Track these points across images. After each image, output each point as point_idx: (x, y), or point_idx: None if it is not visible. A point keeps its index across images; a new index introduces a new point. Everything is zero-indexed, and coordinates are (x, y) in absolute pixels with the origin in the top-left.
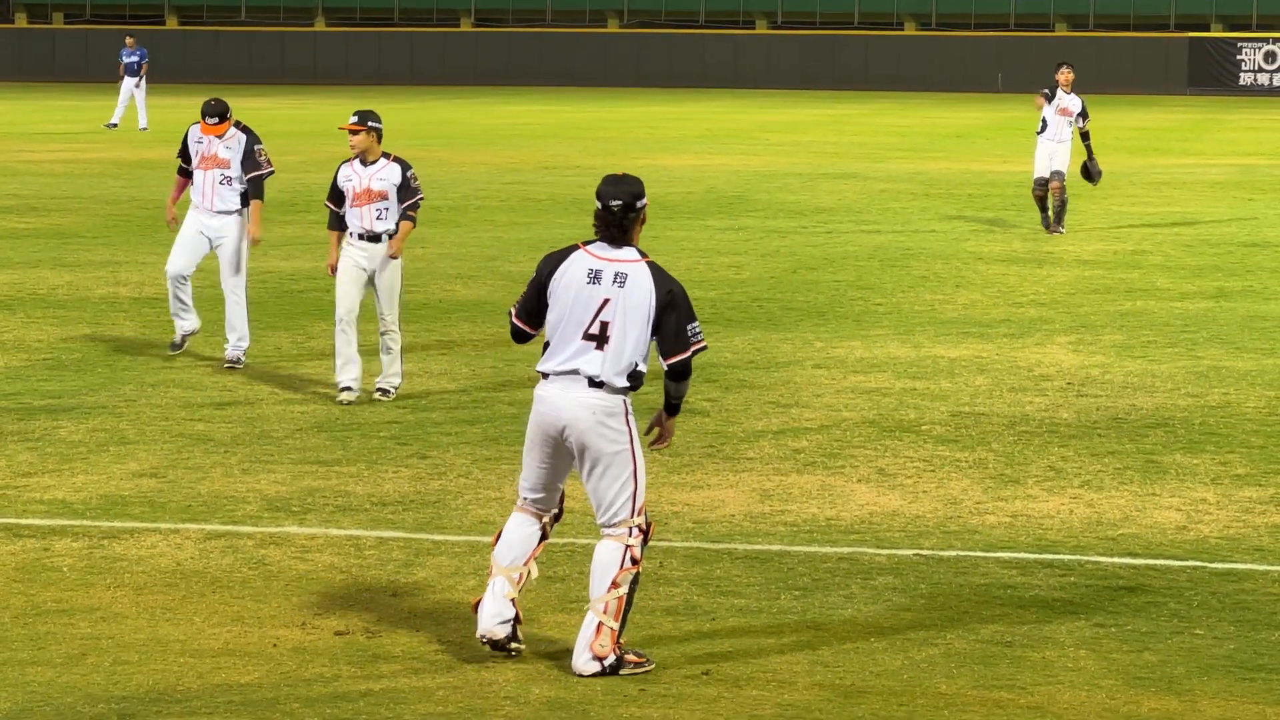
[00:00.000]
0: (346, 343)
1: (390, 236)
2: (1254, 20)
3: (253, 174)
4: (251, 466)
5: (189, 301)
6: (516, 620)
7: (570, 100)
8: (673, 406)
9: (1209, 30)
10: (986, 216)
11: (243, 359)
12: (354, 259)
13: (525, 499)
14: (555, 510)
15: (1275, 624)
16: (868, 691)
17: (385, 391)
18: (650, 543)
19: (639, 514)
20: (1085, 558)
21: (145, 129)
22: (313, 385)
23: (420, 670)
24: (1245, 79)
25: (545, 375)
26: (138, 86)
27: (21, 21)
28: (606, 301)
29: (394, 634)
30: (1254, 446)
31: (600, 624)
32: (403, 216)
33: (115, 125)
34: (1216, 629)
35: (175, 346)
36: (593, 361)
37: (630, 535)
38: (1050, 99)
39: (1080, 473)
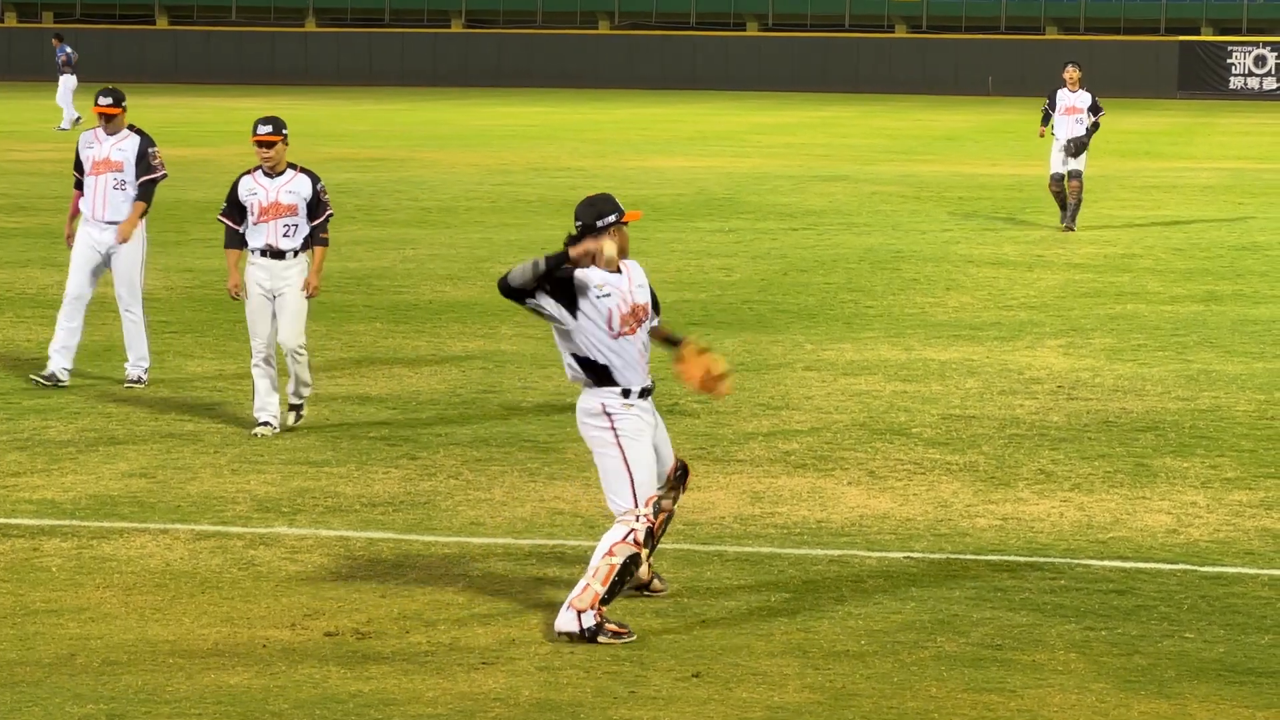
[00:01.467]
0: (263, 375)
1: (296, 254)
2: (1244, 24)
3: (145, 177)
4: (241, 467)
5: (77, 328)
6: (654, 576)
7: (561, 101)
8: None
9: (1199, 34)
10: (977, 219)
11: (144, 378)
12: (257, 279)
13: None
14: (666, 485)
15: (1265, 627)
16: (858, 694)
17: (297, 410)
18: (659, 545)
19: (647, 505)
20: (1075, 561)
21: (65, 129)
22: None
23: (410, 671)
24: (1235, 83)
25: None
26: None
27: (11, 20)
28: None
29: (383, 635)
30: (1244, 450)
31: (586, 584)
32: (314, 240)
33: (78, 120)
34: (1206, 632)
35: (47, 380)
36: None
37: (637, 521)
38: (1051, 107)
39: (1070, 476)
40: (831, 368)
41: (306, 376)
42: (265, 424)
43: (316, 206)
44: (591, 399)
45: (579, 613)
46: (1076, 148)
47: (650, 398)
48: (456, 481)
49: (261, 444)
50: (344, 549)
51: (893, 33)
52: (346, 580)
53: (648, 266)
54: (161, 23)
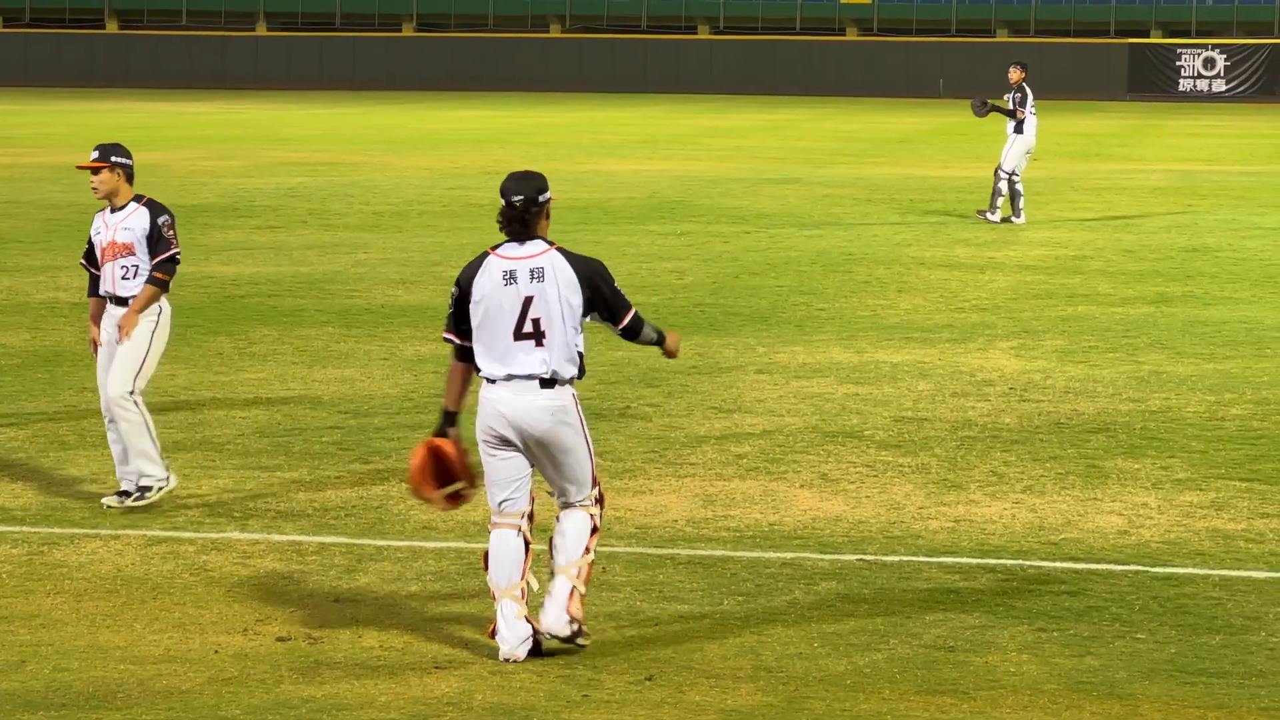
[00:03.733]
0: (113, 440)
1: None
2: (1193, 26)
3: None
4: (193, 472)
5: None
6: (536, 632)
7: (513, 105)
8: (655, 340)
9: (1149, 36)
10: (929, 221)
11: (138, 492)
12: (107, 330)
13: (497, 506)
14: (528, 510)
15: (1216, 628)
16: (811, 696)
17: (122, 495)
18: (599, 532)
19: (595, 486)
20: (1027, 562)
21: None
22: (254, 390)
23: (363, 676)
24: (1185, 85)
25: (493, 380)
26: None
27: None
28: (530, 299)
29: (336, 640)
30: (1194, 451)
31: (574, 588)
32: (149, 279)
33: None
34: (1158, 633)
35: (127, 495)
36: (537, 360)
37: (593, 505)
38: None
39: (1022, 478)
40: (783, 370)
41: (139, 444)
42: (115, 494)
43: (156, 242)
44: (566, 395)
45: (576, 621)
46: (981, 108)
47: None
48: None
49: (213, 449)
50: (296, 554)
51: (844, 35)
52: (299, 585)
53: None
54: (111, 26)
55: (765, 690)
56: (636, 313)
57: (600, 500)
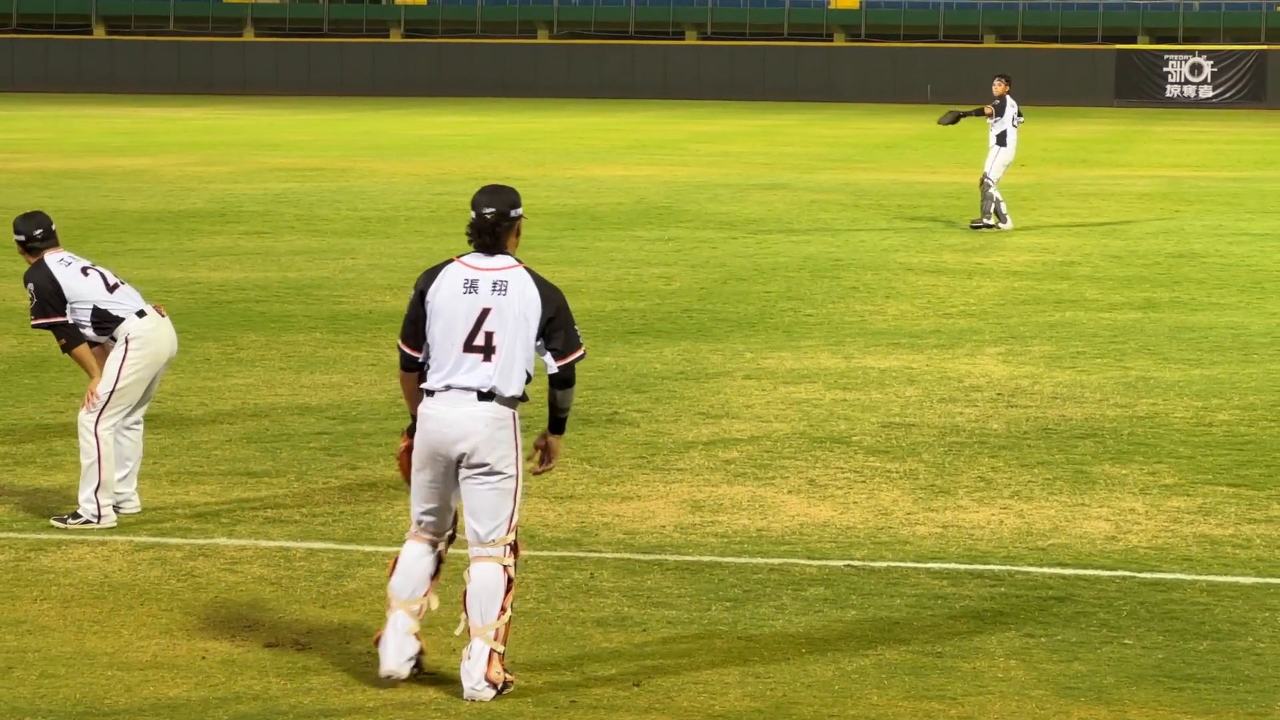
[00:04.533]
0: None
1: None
2: (1180, 33)
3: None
4: (180, 478)
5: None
6: (420, 652)
7: (500, 111)
8: (559, 422)
9: (1136, 42)
10: (916, 227)
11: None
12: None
13: (419, 522)
14: (450, 532)
15: (1203, 634)
16: (799, 702)
17: (62, 518)
18: (520, 559)
19: (513, 530)
20: (1015, 568)
21: None
22: (242, 396)
23: (351, 682)
24: (1172, 91)
25: (431, 393)
26: None
27: None
28: (487, 311)
29: (324, 646)
30: (1182, 456)
31: (493, 651)
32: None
33: None
34: (1145, 639)
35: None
36: (481, 374)
37: (505, 555)
38: (1001, 111)
39: (1010, 483)
40: (771, 376)
41: (87, 474)
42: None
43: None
44: (505, 412)
45: (496, 685)
46: (952, 118)
47: None
48: (396, 491)
49: (200, 455)
50: (284, 559)
51: (831, 41)
52: (286, 591)
53: (587, 275)
54: (99, 32)
55: (753, 696)
56: (574, 366)
57: (515, 549)
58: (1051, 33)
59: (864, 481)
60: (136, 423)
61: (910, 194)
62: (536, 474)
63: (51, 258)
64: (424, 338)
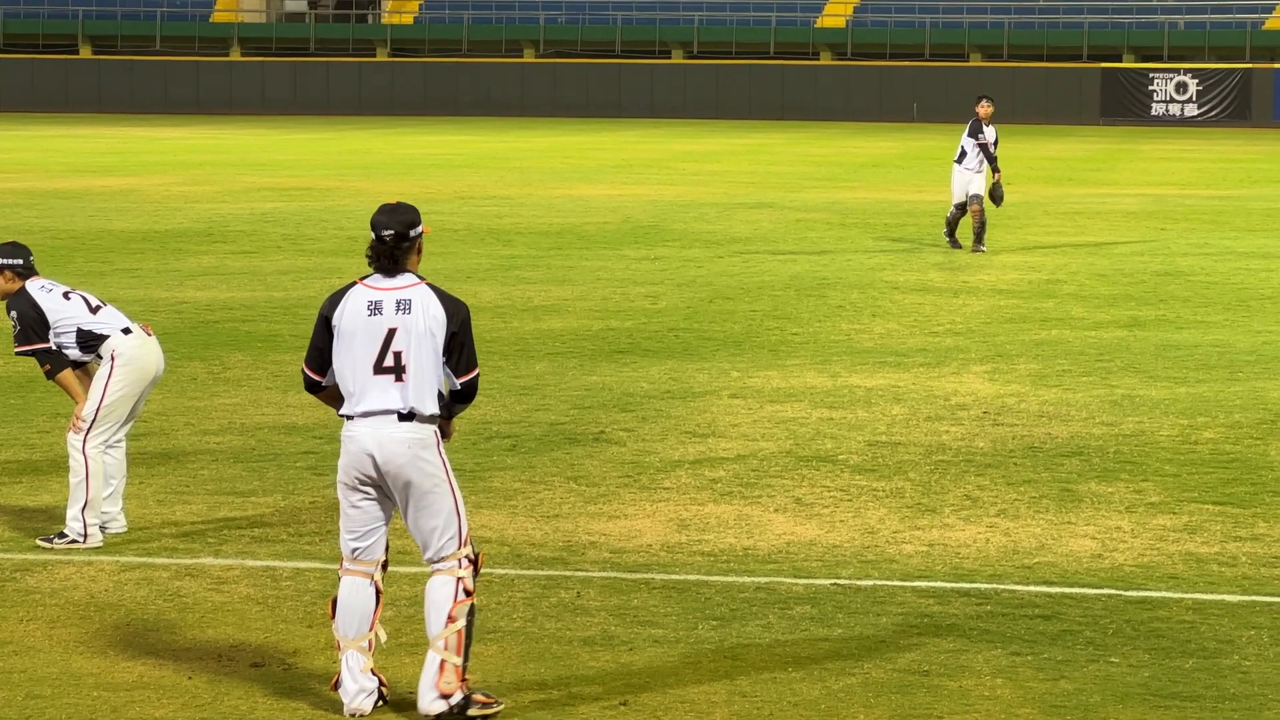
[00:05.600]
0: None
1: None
2: (1165, 51)
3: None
4: (167, 497)
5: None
6: (381, 684)
7: (486, 130)
8: (449, 414)
9: (1121, 61)
10: (903, 246)
11: (71, 534)
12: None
13: (351, 553)
14: (382, 559)
15: (1189, 651)
16: None
17: (48, 539)
18: (481, 574)
19: (465, 544)
20: (1001, 586)
21: None
22: (228, 416)
23: (337, 702)
24: (1157, 109)
25: (350, 418)
26: None
27: None
28: (394, 331)
29: (310, 665)
30: (1167, 474)
31: (443, 661)
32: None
33: None
34: (1131, 657)
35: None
36: (396, 395)
37: (460, 567)
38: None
39: (996, 501)
40: (758, 395)
41: (75, 492)
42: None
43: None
44: (426, 431)
45: (447, 697)
46: (998, 197)
47: None
48: None
49: (186, 474)
50: (270, 579)
51: (817, 59)
52: (273, 610)
53: (574, 295)
54: (85, 52)
55: (740, 715)
56: (476, 381)
57: (474, 562)
58: (1037, 51)
59: (850, 500)
60: (119, 441)
61: (897, 213)
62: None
63: (33, 285)
64: (328, 362)
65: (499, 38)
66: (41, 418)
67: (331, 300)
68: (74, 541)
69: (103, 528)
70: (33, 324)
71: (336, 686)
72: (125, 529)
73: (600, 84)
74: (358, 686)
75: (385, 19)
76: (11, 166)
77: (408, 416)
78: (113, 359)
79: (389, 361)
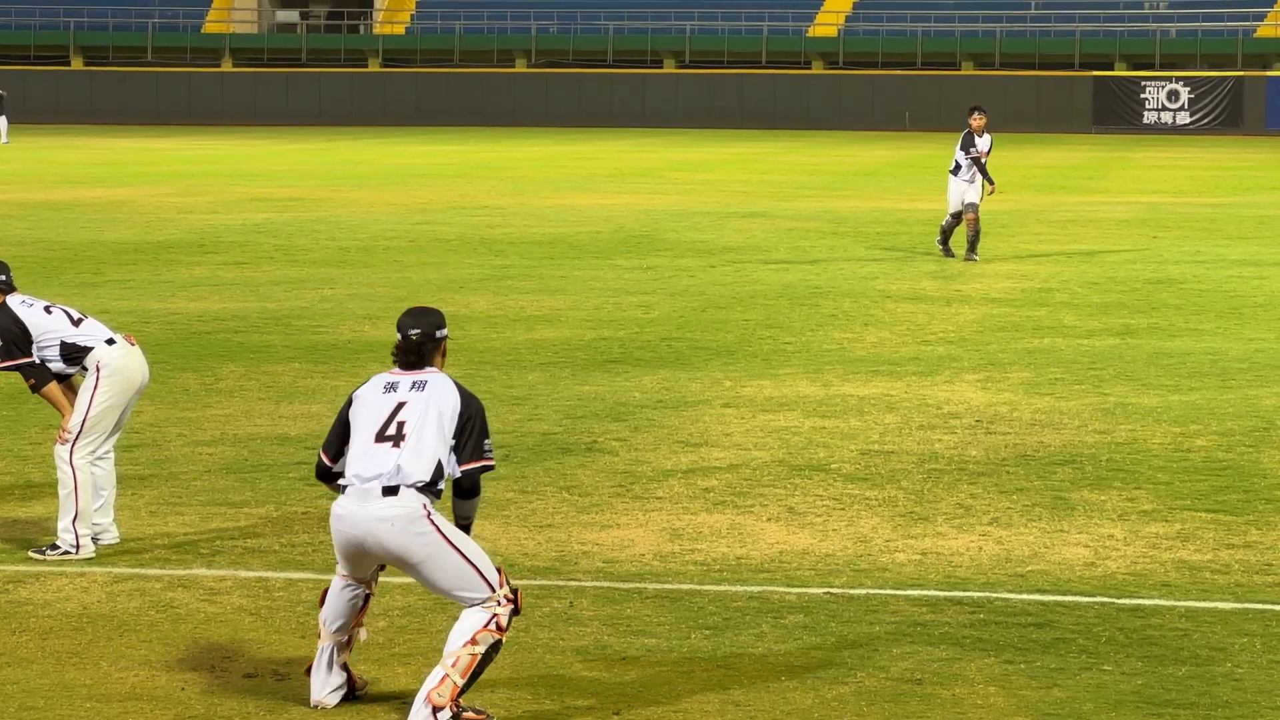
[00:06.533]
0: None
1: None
2: (1157, 59)
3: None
4: (159, 508)
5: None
6: (351, 679)
7: (479, 140)
8: (464, 529)
9: (1113, 69)
10: (895, 255)
11: (64, 544)
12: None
13: (342, 574)
14: (375, 575)
15: (1182, 659)
16: None
17: (41, 551)
18: (519, 614)
19: (503, 586)
20: (994, 595)
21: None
22: (221, 427)
23: (329, 713)
24: (1149, 117)
25: (343, 489)
26: None
27: None
28: (402, 404)
29: (303, 676)
30: (1160, 482)
31: (445, 675)
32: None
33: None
34: (1124, 665)
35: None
36: (388, 461)
37: (499, 605)
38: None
39: (989, 510)
40: (750, 404)
41: (64, 503)
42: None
43: None
44: (412, 503)
45: (435, 709)
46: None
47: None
48: None
49: (179, 485)
50: (263, 590)
51: (809, 68)
52: (265, 621)
53: (566, 304)
54: (77, 63)
55: None
56: (478, 476)
57: (514, 600)
58: (1029, 60)
59: (843, 509)
60: (107, 452)
61: (889, 221)
62: None
63: (13, 300)
64: (344, 449)
65: (491, 47)
66: (33, 429)
67: (354, 392)
68: (66, 553)
69: (95, 539)
70: (15, 339)
71: (308, 672)
72: (118, 540)
73: (592, 93)
74: (323, 680)
75: (377, 29)
76: (3, 178)
77: (392, 490)
78: (98, 370)
79: (391, 430)
